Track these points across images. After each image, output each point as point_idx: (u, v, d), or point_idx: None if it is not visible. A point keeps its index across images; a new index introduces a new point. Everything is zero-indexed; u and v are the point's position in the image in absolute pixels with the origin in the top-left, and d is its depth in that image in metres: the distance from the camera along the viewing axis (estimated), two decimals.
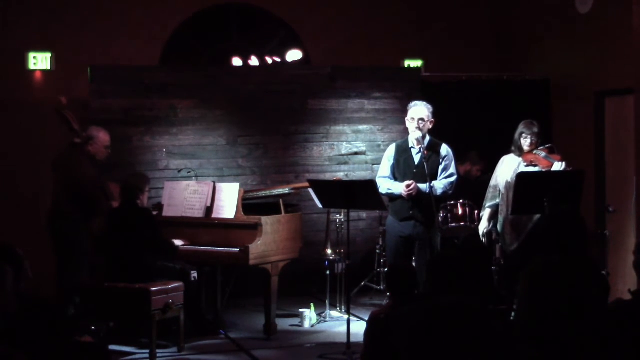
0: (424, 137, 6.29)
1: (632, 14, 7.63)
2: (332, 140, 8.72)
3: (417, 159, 6.31)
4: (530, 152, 6.44)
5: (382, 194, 6.25)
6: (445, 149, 6.37)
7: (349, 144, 8.76)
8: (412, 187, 6.15)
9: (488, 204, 6.62)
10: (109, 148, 6.88)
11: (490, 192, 6.63)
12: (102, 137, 6.83)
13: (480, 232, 6.65)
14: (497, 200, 6.57)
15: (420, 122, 6.26)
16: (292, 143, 8.62)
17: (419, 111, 6.30)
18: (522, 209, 6.18)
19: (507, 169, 6.52)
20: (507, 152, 6.62)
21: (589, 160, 8.17)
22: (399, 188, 6.22)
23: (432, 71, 9.22)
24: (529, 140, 6.44)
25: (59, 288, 6.58)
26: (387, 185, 6.30)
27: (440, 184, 6.28)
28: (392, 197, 6.34)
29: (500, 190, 6.54)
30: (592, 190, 8.01)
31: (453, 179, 6.38)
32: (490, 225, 6.65)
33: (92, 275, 6.63)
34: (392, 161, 6.36)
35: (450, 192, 6.37)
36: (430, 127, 6.35)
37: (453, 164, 6.44)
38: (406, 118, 6.39)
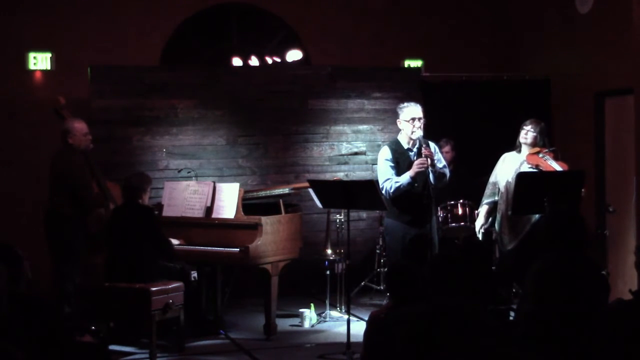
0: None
1: (632, 14, 7.63)
2: (332, 140, 8.72)
3: (418, 159, 6.26)
4: (536, 154, 6.41)
5: (391, 193, 6.19)
6: (433, 146, 6.35)
7: (349, 144, 8.76)
8: (424, 160, 6.08)
9: (485, 201, 6.62)
10: (88, 135, 6.79)
11: (488, 189, 6.63)
12: (77, 126, 6.74)
13: (477, 229, 6.65)
14: (495, 198, 6.57)
15: (420, 120, 6.26)
16: (292, 143, 8.62)
17: (418, 111, 6.28)
18: (522, 208, 6.18)
19: (508, 167, 6.51)
20: (509, 150, 6.62)
21: (589, 160, 8.17)
22: (407, 175, 6.14)
23: (432, 71, 9.22)
24: (523, 132, 6.43)
25: (55, 288, 6.57)
26: (394, 181, 6.19)
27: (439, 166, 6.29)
28: (396, 198, 6.26)
29: (499, 188, 6.54)
30: (592, 190, 8.01)
31: (446, 167, 6.39)
32: (488, 223, 6.65)
33: (87, 275, 6.61)
34: (392, 163, 6.31)
35: (447, 174, 6.33)
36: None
37: (442, 157, 6.48)
38: (401, 119, 6.32)
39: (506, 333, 3.69)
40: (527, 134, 6.45)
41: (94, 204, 6.65)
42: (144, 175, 6.68)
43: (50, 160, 6.81)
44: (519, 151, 6.50)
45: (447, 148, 8.04)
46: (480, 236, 6.66)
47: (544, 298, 3.82)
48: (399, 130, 6.40)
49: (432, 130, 6.62)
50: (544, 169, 6.30)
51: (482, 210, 6.62)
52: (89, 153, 6.79)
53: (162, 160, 8.19)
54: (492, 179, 6.64)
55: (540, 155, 6.40)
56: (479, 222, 6.62)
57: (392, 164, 6.28)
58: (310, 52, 9.46)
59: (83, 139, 6.73)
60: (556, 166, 6.28)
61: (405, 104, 6.36)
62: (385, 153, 6.36)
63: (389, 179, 6.23)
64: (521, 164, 6.43)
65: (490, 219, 6.67)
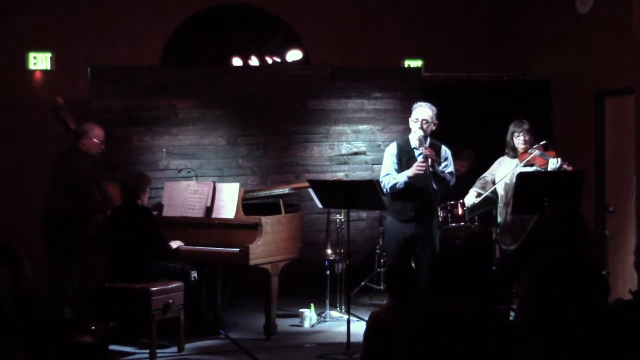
0: (425, 137, 6.27)
1: (632, 14, 7.63)
2: (332, 140, 8.72)
3: (419, 160, 6.27)
4: (525, 151, 6.46)
5: (388, 190, 6.21)
6: (444, 150, 6.37)
7: (349, 144, 8.76)
8: (423, 165, 6.08)
9: (474, 189, 6.68)
10: (102, 144, 6.82)
11: (478, 182, 6.68)
12: (96, 132, 6.77)
13: (467, 203, 6.69)
14: (482, 191, 6.60)
15: (423, 122, 6.25)
16: (292, 143, 8.62)
17: (423, 112, 6.29)
18: (522, 208, 6.19)
19: (505, 169, 6.54)
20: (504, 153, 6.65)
21: (589, 160, 8.17)
22: (404, 174, 6.15)
23: (432, 71, 9.23)
24: (521, 138, 6.47)
25: (53, 288, 6.56)
26: (392, 177, 6.22)
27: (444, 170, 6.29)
28: (396, 197, 6.27)
29: (496, 190, 6.57)
30: (592, 190, 8.01)
31: (453, 175, 6.37)
32: (477, 201, 6.66)
33: (87, 275, 6.61)
34: (395, 159, 6.32)
35: (451, 182, 6.32)
36: (434, 128, 6.33)
37: (452, 163, 6.45)
38: (410, 118, 6.37)
39: (505, 335, 3.69)
40: (519, 137, 6.48)
41: (94, 208, 6.64)
42: (143, 176, 6.67)
43: (52, 159, 6.81)
44: (513, 156, 6.54)
45: (464, 162, 8.04)
46: (466, 202, 6.72)
47: (542, 298, 3.82)
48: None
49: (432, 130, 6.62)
50: (535, 163, 6.38)
51: (472, 192, 6.66)
52: (95, 159, 6.80)
53: (162, 160, 8.19)
54: (485, 175, 6.68)
55: (530, 151, 6.45)
56: (469, 199, 6.66)
57: (396, 160, 6.31)
58: (310, 52, 9.46)
59: (96, 146, 6.74)
60: (545, 157, 6.35)
61: (418, 104, 6.38)
62: (391, 149, 6.41)
63: (388, 174, 6.28)
64: (516, 165, 6.47)
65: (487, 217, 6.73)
